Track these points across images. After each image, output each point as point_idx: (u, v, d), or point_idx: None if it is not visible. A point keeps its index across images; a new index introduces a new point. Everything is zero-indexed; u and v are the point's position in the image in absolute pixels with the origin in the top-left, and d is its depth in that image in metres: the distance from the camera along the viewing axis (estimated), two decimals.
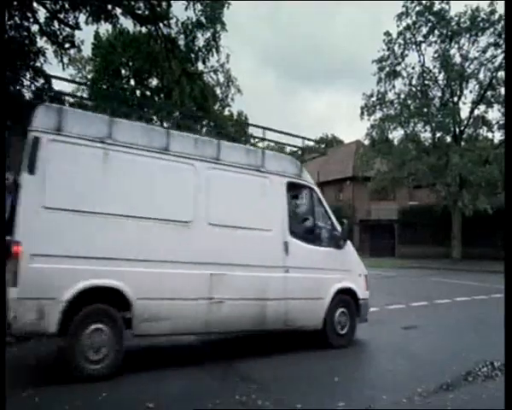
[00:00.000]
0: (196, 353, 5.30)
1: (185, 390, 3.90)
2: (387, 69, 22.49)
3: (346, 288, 5.55)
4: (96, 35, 21.23)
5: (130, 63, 21.71)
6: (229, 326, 4.78)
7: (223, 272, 4.60)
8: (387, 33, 22.20)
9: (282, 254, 5.06)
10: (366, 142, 24.30)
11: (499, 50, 20.44)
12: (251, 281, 4.80)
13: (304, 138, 5.47)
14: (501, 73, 20.56)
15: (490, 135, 22.15)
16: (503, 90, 20.63)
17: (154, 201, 4.34)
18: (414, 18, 21.62)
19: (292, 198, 5.64)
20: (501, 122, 21.00)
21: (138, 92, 22.86)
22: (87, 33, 24.11)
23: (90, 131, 4.12)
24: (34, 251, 3.72)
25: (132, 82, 22.86)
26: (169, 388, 3.93)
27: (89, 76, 26.09)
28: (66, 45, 11.99)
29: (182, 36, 14.45)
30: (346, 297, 5.56)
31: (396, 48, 22.24)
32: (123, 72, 22.61)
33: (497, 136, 21.99)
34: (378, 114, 23.18)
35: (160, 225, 4.32)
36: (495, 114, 22.45)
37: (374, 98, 22.99)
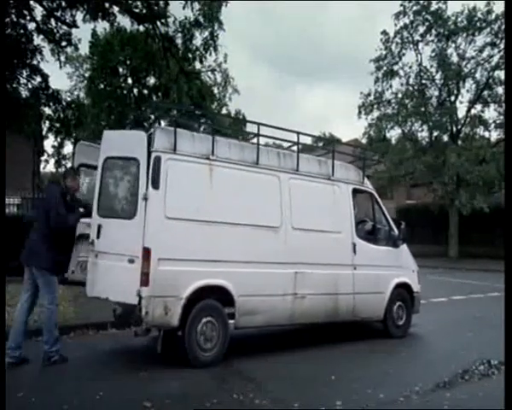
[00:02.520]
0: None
1: (182, 389, 3.90)
2: (385, 68, 22.48)
3: (402, 282, 6.13)
4: (94, 33, 21.13)
5: (128, 62, 21.64)
6: (309, 319, 5.38)
7: (304, 270, 5.16)
8: (385, 32, 22.19)
9: (350, 254, 5.65)
10: (364, 141, 24.32)
11: (496, 50, 20.47)
12: (327, 278, 5.39)
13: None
14: (497, 73, 20.61)
15: (486, 134, 22.19)
16: (499, 90, 20.68)
17: (249, 209, 4.86)
18: (411, 17, 21.62)
19: (356, 203, 6.17)
20: (497, 121, 21.06)
21: (136, 91, 22.79)
22: (84, 31, 24.00)
23: (198, 149, 4.62)
24: (160, 256, 4.23)
25: (130, 80, 22.78)
26: (166, 387, 3.93)
27: (86, 74, 25.95)
28: (63, 43, 11.91)
29: (179, 35, 14.40)
30: (402, 291, 6.15)
31: (393, 47, 22.22)
32: (120, 70, 22.53)
33: (494, 135, 22.06)
34: (375, 114, 23.17)
35: (255, 231, 4.86)
36: (491, 113, 22.40)
37: (371, 97, 22.97)
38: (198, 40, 14.78)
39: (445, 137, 22.17)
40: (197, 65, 17.79)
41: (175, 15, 13.50)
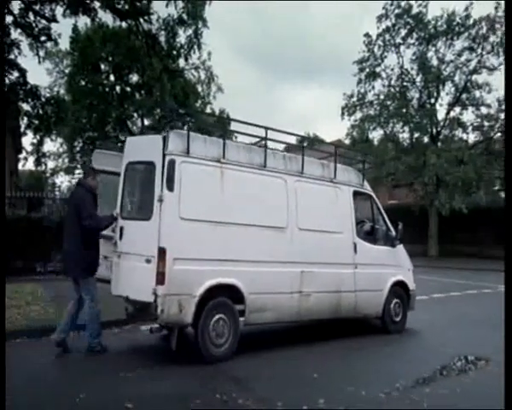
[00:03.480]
0: (178, 351, 5.25)
1: (165, 390, 3.86)
2: (367, 70, 22.83)
3: (399, 281, 6.41)
4: (75, 28, 20.67)
5: (110, 58, 21.26)
6: (314, 315, 5.59)
7: (310, 269, 5.36)
8: (367, 35, 22.53)
9: (351, 253, 5.88)
10: (347, 141, 24.62)
11: (474, 54, 21.11)
12: (330, 276, 5.60)
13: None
14: (475, 77, 21.27)
15: (465, 136, 22.82)
16: (477, 93, 21.34)
17: (258, 210, 5.02)
18: (393, 20, 22.02)
19: (356, 204, 6.35)
20: (475, 124, 21.67)
21: (118, 88, 22.42)
22: (65, 26, 23.47)
23: (209, 153, 4.77)
24: (175, 255, 4.36)
25: (112, 78, 22.38)
26: (148, 388, 3.88)
27: (66, 70, 25.35)
28: (42, 38, 11.60)
29: (163, 32, 14.27)
30: (399, 289, 6.42)
31: (376, 49, 22.60)
32: (102, 67, 22.11)
33: (472, 137, 22.71)
34: (358, 115, 23.51)
35: (263, 231, 5.03)
36: (469, 116, 23.08)
37: (354, 99, 23.29)
38: (182, 38, 14.69)
39: (426, 139, 22.68)
40: (181, 63, 17.67)
41: (158, 13, 13.38)
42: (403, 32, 22.03)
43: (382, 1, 22.20)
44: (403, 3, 21.59)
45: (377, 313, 6.20)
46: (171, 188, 4.40)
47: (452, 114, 22.16)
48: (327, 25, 73.40)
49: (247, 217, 4.89)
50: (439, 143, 22.17)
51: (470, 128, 21.99)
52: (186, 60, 16.48)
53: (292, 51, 77.10)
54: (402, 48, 22.32)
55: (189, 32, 14.95)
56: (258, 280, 4.90)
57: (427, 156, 19.99)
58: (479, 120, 21.49)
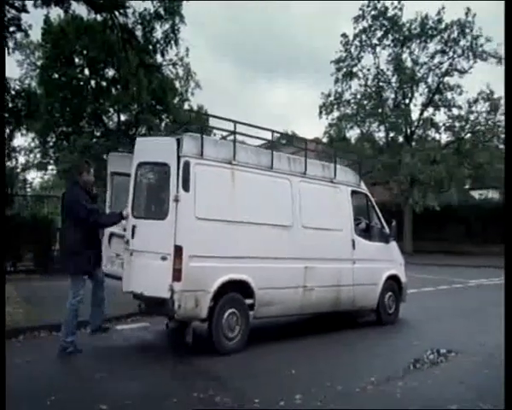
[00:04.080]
0: (156, 351, 5.19)
1: (141, 390, 3.81)
2: (344, 70, 23.16)
3: (392, 275, 6.76)
4: (47, 19, 19.92)
5: (85, 51, 20.64)
6: (316, 309, 5.91)
7: (313, 265, 5.63)
8: (344, 35, 22.85)
9: (350, 249, 6.18)
10: (324, 140, 24.91)
11: (446, 57, 21.84)
12: (331, 271, 5.91)
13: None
14: (447, 79, 21.98)
15: (437, 136, 23.54)
16: (449, 95, 22.08)
17: (266, 209, 5.28)
18: (370, 21, 22.43)
19: (353, 203, 6.64)
20: (447, 124, 22.40)
21: (93, 83, 21.81)
22: (36, 17, 22.62)
23: (221, 155, 4.98)
24: (191, 253, 4.55)
25: (87, 71, 21.74)
26: (124, 388, 3.83)
27: (38, 63, 24.42)
28: (12, 29, 11.13)
29: (139, 27, 13.98)
30: (392, 282, 6.76)
31: (353, 49, 22.97)
32: (76, 60, 21.42)
33: (444, 137, 23.45)
34: (336, 114, 23.84)
35: (271, 229, 5.29)
36: (442, 116, 23.83)
37: (331, 98, 23.59)
38: (159, 33, 14.44)
39: (401, 138, 23.25)
40: (158, 58, 17.37)
41: (134, 7, 13.09)
42: (379, 33, 22.50)
43: (360, 1, 22.52)
44: (379, 5, 22.02)
45: (372, 306, 6.51)
46: (186, 188, 4.58)
47: (426, 114, 22.82)
48: (306, 24, 73.95)
49: (256, 216, 5.12)
50: (413, 143, 22.78)
51: (442, 128, 22.71)
52: (163, 55, 16.22)
53: (271, 49, 77.26)
54: (378, 49, 22.81)
55: (166, 27, 14.76)
56: (266, 276, 5.14)
57: (401, 155, 20.50)
58: (450, 120, 22.23)
